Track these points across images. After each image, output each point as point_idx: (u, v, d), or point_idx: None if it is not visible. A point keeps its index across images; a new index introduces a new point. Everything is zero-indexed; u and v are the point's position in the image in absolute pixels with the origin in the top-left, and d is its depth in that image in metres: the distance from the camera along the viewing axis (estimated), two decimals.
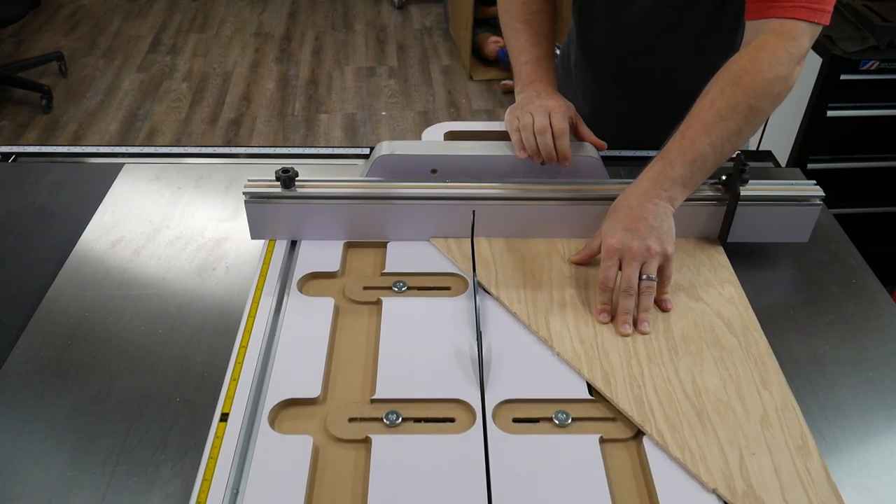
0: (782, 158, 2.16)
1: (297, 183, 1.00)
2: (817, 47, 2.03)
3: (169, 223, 1.09)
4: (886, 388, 0.86)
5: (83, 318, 0.92)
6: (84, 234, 1.06)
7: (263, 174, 1.15)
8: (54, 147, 1.30)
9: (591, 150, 1.05)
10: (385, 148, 1.03)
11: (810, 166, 2.12)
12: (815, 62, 2.03)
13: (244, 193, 0.99)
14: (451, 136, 1.11)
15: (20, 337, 0.89)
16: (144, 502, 0.72)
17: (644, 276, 0.90)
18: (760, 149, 2.10)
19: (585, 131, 1.06)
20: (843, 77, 1.99)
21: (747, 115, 0.92)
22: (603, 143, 1.06)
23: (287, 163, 1.07)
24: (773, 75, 0.92)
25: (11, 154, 1.27)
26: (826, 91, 2.02)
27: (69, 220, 1.09)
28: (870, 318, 0.96)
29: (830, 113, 2.06)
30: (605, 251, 0.92)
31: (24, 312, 0.93)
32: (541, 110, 1.01)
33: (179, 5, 4.33)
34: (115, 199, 1.14)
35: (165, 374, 0.85)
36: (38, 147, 1.29)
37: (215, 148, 1.30)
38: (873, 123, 2.09)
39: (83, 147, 1.29)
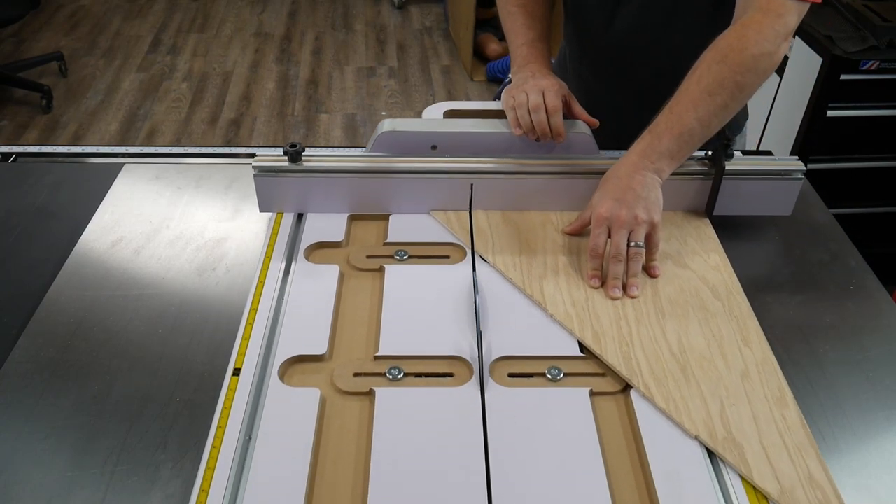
0: None
1: (303, 157, 1.04)
2: (817, 47, 2.03)
3: (169, 223, 1.09)
4: (886, 387, 0.86)
5: (83, 318, 0.92)
6: (84, 234, 1.06)
7: None
8: (54, 147, 1.30)
9: (583, 127, 1.09)
10: (387, 125, 1.07)
11: (810, 166, 2.11)
12: (815, 62, 2.03)
13: (253, 168, 1.03)
14: (451, 114, 1.16)
15: (20, 337, 0.89)
16: (144, 502, 0.72)
17: (632, 244, 0.94)
18: (760, 149, 2.10)
19: (578, 109, 1.09)
20: (843, 77, 1.99)
21: (734, 90, 0.94)
22: (594, 121, 1.08)
23: None
24: (759, 52, 0.93)
25: (11, 154, 1.27)
26: (826, 91, 2.02)
27: (69, 220, 1.09)
28: (870, 318, 0.96)
29: (830, 113, 2.06)
30: (594, 220, 0.96)
31: (24, 312, 0.93)
32: (535, 89, 1.04)
33: (179, 5, 4.33)
34: (115, 199, 1.14)
35: (165, 374, 0.85)
36: (38, 147, 1.29)
37: (215, 148, 1.30)
38: (873, 123, 2.09)
39: (83, 147, 1.29)
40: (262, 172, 1.03)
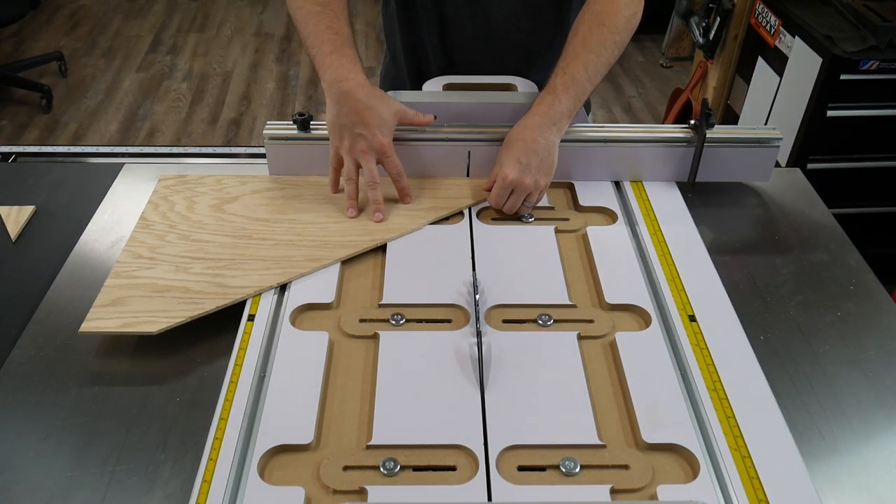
0: (782, 158, 2.16)
1: (311, 126, 1.11)
2: (817, 47, 2.03)
3: None
4: (886, 388, 0.86)
5: (83, 318, 0.92)
6: (84, 234, 1.06)
7: (263, 174, 1.15)
8: (54, 147, 1.30)
9: None
10: (390, 96, 1.12)
11: (810, 166, 2.12)
12: (815, 62, 2.03)
13: (265, 135, 1.11)
14: (450, 86, 1.22)
15: (20, 337, 0.89)
16: (144, 502, 0.72)
17: (527, 204, 1.05)
18: None
19: (417, 119, 1.07)
20: (843, 77, 1.99)
21: (613, 49, 1.07)
22: (429, 119, 1.08)
23: None
24: (629, 13, 1.08)
25: (11, 154, 1.27)
26: (826, 91, 2.02)
27: (69, 220, 1.09)
28: (870, 318, 0.96)
29: (830, 113, 2.06)
30: (501, 181, 1.03)
31: (24, 312, 0.93)
32: (367, 155, 1.03)
33: (179, 5, 4.33)
34: (115, 199, 1.13)
35: (165, 374, 0.85)
36: (38, 147, 1.29)
37: (215, 148, 1.30)
38: (873, 123, 2.09)
39: (83, 147, 1.30)
40: (273, 140, 1.11)
